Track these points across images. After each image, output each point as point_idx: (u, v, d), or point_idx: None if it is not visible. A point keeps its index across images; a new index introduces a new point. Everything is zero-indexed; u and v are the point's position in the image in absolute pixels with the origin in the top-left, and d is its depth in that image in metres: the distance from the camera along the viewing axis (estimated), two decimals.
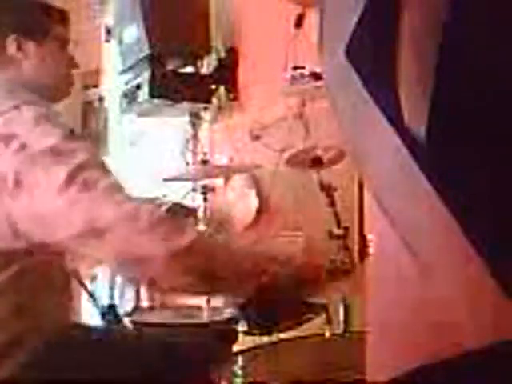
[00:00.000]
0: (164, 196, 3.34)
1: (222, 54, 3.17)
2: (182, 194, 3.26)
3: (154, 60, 3.06)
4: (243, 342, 1.97)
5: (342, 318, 2.01)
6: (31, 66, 1.55)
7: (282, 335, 1.99)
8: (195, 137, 3.42)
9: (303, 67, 2.49)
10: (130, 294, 3.16)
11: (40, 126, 1.32)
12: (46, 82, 1.58)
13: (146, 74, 3.07)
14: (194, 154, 3.39)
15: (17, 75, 1.54)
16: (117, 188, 1.29)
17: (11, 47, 1.53)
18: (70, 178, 1.25)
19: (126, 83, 3.31)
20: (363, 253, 2.10)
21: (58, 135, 1.31)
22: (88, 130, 4.52)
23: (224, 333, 1.93)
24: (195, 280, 1.28)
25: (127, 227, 1.23)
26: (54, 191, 1.24)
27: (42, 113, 1.36)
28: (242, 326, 1.97)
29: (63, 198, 1.24)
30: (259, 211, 2.97)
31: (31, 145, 1.29)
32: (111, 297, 3.17)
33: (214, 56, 3.17)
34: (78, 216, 1.24)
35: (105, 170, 1.33)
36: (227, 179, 3.13)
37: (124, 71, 3.31)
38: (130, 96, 3.25)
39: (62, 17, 1.65)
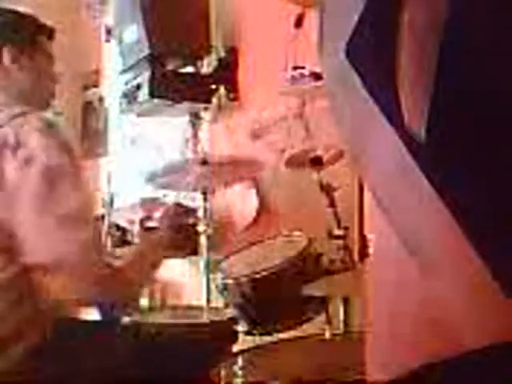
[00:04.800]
0: (164, 196, 3.34)
1: (222, 54, 3.16)
2: (181, 194, 3.26)
3: (154, 60, 3.06)
4: (243, 342, 1.97)
5: (341, 317, 2.01)
6: (24, 78, 1.63)
7: (282, 335, 1.99)
8: (195, 137, 3.42)
9: (303, 67, 2.49)
10: None
11: (46, 138, 1.40)
12: (36, 93, 1.66)
13: (146, 74, 3.07)
14: (194, 153, 3.39)
15: (12, 86, 1.61)
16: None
17: (6, 59, 1.60)
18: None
19: (126, 83, 3.31)
20: (363, 253, 2.10)
21: (64, 154, 1.40)
22: (88, 129, 4.52)
23: (224, 333, 1.92)
24: None
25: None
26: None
27: (47, 123, 1.43)
28: (242, 326, 1.97)
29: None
30: (259, 211, 2.97)
31: (37, 158, 1.37)
32: None
33: (214, 56, 3.17)
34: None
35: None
36: None
37: (124, 71, 3.31)
38: (130, 96, 3.25)
39: (50, 34, 1.73)
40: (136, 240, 2.73)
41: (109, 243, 2.89)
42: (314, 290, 1.82)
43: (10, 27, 1.66)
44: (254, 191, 2.99)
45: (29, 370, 1.38)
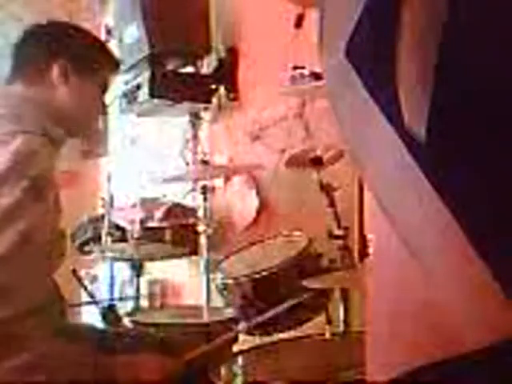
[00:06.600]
0: (164, 196, 3.34)
1: (222, 54, 3.17)
2: (181, 194, 3.26)
3: (154, 60, 3.07)
4: (243, 342, 1.97)
5: (342, 317, 2.01)
6: (66, 94, 1.53)
7: (282, 335, 1.99)
8: (195, 137, 3.42)
9: (303, 67, 2.48)
10: (129, 293, 3.16)
11: (15, 163, 1.28)
12: (73, 115, 1.56)
13: (146, 74, 3.07)
14: (194, 153, 3.39)
15: (48, 99, 1.51)
16: None
17: (55, 70, 1.52)
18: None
19: (126, 83, 3.31)
20: (363, 253, 2.10)
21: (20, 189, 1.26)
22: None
23: (224, 333, 1.92)
24: None
25: None
26: None
27: (29, 147, 1.32)
28: (242, 326, 1.97)
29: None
30: (259, 211, 2.97)
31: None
32: (111, 297, 3.17)
33: (214, 56, 3.17)
34: None
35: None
36: (227, 179, 3.13)
37: (124, 71, 3.31)
38: (130, 96, 3.25)
39: (115, 66, 1.68)
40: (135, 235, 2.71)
41: (109, 243, 2.89)
42: (314, 283, 1.82)
43: (75, 44, 1.58)
44: (254, 191, 2.99)
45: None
